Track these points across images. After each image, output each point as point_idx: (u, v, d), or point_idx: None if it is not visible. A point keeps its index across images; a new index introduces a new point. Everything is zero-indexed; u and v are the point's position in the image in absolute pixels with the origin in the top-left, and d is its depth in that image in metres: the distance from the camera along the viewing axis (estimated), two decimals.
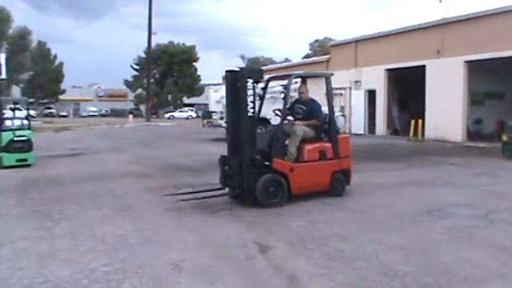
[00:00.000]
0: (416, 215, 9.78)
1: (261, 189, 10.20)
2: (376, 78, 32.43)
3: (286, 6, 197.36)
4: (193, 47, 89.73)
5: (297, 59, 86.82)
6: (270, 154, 10.48)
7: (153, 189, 13.12)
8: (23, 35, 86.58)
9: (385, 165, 17.62)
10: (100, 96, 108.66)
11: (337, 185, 11.55)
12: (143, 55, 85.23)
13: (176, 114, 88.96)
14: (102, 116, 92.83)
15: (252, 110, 10.23)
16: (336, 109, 32.18)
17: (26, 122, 19.61)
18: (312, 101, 11.77)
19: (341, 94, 35.33)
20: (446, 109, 27.74)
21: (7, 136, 18.50)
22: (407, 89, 31.47)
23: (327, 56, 39.81)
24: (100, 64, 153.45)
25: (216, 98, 31.76)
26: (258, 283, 6.04)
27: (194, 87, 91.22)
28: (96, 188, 13.60)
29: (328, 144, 11.39)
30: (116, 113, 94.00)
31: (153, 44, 67.22)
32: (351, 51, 35.20)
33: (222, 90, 31.89)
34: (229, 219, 9.43)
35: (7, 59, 22.50)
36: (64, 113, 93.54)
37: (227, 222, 9.26)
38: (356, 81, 34.29)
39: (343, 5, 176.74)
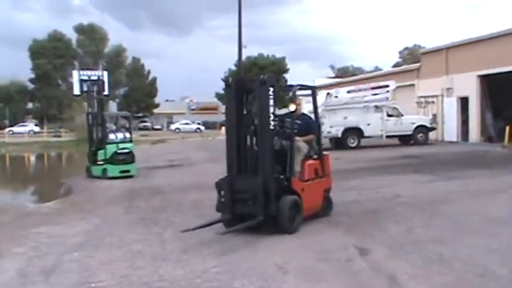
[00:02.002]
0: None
1: (287, 213, 9.03)
2: (468, 84, 31.93)
3: (374, 14, 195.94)
4: (282, 59, 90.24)
5: (386, 67, 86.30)
6: (283, 173, 9.37)
7: None
8: (119, 52, 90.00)
9: (479, 172, 17.47)
10: (192, 109, 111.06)
11: (326, 205, 10.60)
12: (233, 68, 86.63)
13: None
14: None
15: (273, 123, 9.20)
16: (428, 116, 32.06)
17: (128, 135, 20.64)
18: (305, 115, 10.96)
19: (433, 102, 35.05)
20: None
21: (111, 149, 19.59)
22: (502, 95, 30.85)
23: (418, 64, 39.49)
24: (191, 78, 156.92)
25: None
26: (360, 283, 6.39)
27: (285, 98, 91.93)
28: (198, 197, 14.21)
29: (318, 161, 10.41)
30: (207, 126, 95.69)
31: (243, 57, 68.32)
32: (442, 58, 34.81)
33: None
34: (327, 225, 9.80)
35: None
36: (158, 126, 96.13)
37: (325, 227, 9.64)
38: (448, 89, 33.90)
39: (432, 12, 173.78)
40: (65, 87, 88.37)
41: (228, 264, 7.32)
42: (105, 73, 23.10)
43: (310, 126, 10.63)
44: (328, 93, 31.16)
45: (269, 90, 9.12)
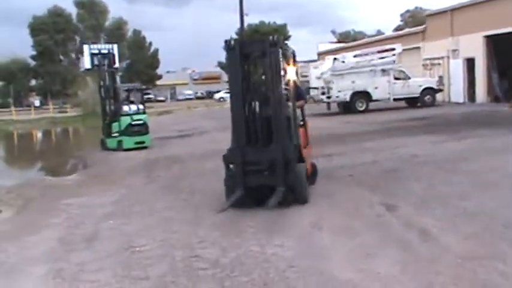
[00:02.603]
0: None
1: (305, 181, 8.78)
2: (474, 45, 31.97)
3: None
4: (284, 26, 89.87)
5: (388, 31, 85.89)
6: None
7: None
8: (120, 25, 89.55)
9: (490, 131, 17.66)
10: (195, 80, 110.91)
11: (313, 172, 10.08)
12: (235, 36, 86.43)
13: None
14: (198, 98, 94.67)
15: (284, 87, 8.86)
16: (435, 79, 32.13)
17: (141, 106, 20.86)
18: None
19: (439, 64, 35.12)
20: None
21: (125, 121, 19.82)
22: (507, 56, 30.88)
23: (423, 27, 39.40)
24: (191, 48, 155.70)
25: (316, 74, 32.37)
26: (395, 237, 6.67)
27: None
28: (216, 164, 14.39)
29: (304, 129, 10.03)
30: (211, 95, 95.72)
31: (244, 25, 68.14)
32: (447, 20, 34.78)
33: (322, 67, 32.71)
34: (349, 185, 10.09)
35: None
36: (161, 98, 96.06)
37: (348, 187, 9.92)
38: (454, 50, 33.94)
39: None
40: (66, 63, 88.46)
41: (263, 224, 7.59)
42: (115, 46, 23.23)
43: (301, 92, 10.39)
44: (335, 58, 31.27)
45: (279, 52, 8.62)
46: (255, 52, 8.94)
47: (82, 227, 8.52)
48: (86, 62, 22.49)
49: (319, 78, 31.60)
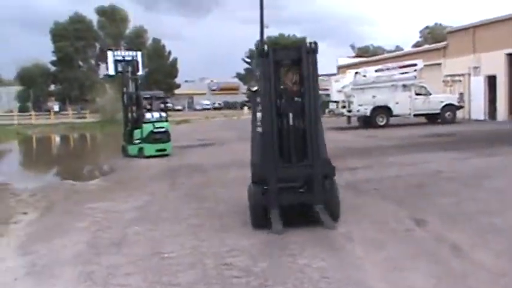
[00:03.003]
0: None
1: (338, 198, 8.23)
2: (496, 63, 31.89)
3: None
4: (303, 39, 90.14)
5: (406, 47, 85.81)
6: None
7: None
8: (140, 33, 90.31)
9: None
10: (213, 90, 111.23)
11: None
12: (254, 48, 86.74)
13: None
14: (216, 108, 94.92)
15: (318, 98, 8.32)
16: (456, 95, 31.96)
17: (164, 114, 20.95)
18: None
19: (460, 81, 35.00)
20: None
21: (147, 128, 19.92)
22: None
23: (444, 43, 39.31)
24: (208, 59, 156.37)
25: (337, 87, 32.45)
26: (426, 251, 6.64)
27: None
28: (239, 174, 14.44)
29: None
30: (228, 106, 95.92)
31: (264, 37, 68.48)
32: (469, 37, 34.68)
33: (343, 80, 32.75)
34: (376, 199, 10.06)
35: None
36: (179, 107, 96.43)
37: (375, 201, 9.88)
38: (475, 67, 33.84)
39: None
40: (86, 69, 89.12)
41: (293, 235, 7.55)
42: (139, 53, 23.28)
43: None
44: (356, 72, 31.35)
45: (317, 59, 8.01)
46: (289, 59, 8.36)
47: (109, 231, 8.56)
48: (110, 69, 22.49)
49: (340, 91, 31.72)
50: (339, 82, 33.16)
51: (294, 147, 8.13)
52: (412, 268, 6.01)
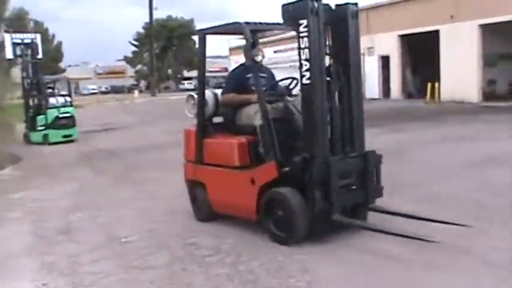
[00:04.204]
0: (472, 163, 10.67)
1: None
2: (389, 44, 33.12)
3: None
4: (191, 21, 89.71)
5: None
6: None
7: None
8: (21, 15, 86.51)
9: (417, 125, 18.35)
10: (99, 74, 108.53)
11: None
12: (141, 31, 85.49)
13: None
14: (103, 93, 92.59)
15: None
16: None
17: (68, 99, 20.32)
18: (264, 67, 7.58)
19: None
20: (460, 72, 28.39)
21: (52, 113, 19.28)
22: (421, 54, 32.14)
23: None
24: (91, 42, 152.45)
25: None
26: None
27: (194, 60, 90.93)
28: (158, 156, 14.34)
29: None
30: (115, 90, 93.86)
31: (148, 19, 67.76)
32: (363, 19, 35.58)
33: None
34: None
35: None
36: (64, 92, 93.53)
37: None
38: (369, 48, 34.88)
39: None
40: None
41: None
42: (38, 36, 22.37)
43: (275, 80, 7.52)
44: None
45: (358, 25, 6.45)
46: (333, 22, 6.44)
47: (50, 221, 8.16)
48: (8, 52, 21.42)
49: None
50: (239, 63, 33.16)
51: (340, 134, 6.36)
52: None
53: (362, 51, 26.94)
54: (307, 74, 6.02)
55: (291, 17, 6.15)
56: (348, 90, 6.37)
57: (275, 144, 6.24)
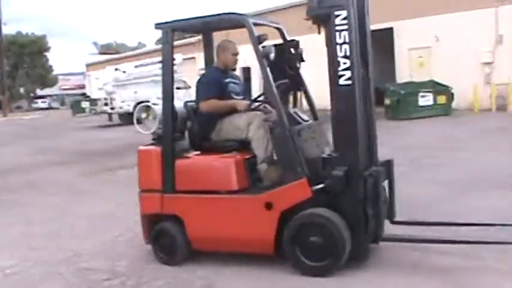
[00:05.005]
0: None
1: None
2: (250, 55, 33.68)
3: None
4: (43, 37, 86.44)
5: (150, 42, 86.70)
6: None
7: (88, 174, 13.44)
8: None
9: None
10: None
11: None
12: None
13: None
14: None
15: None
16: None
17: None
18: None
19: None
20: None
21: None
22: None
23: (198, 37, 40.23)
24: None
25: (98, 85, 31.83)
26: None
27: (47, 78, 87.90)
28: (29, 178, 13.59)
29: None
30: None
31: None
32: (222, 32, 36.03)
33: (104, 77, 32.12)
34: None
35: None
36: None
37: None
38: None
39: None
40: None
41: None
42: None
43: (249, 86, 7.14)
44: (116, 69, 30.95)
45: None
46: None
47: None
48: None
49: (101, 89, 31.13)
50: (99, 79, 32.48)
51: (367, 141, 5.76)
52: None
53: None
54: (347, 74, 5.31)
55: (324, 7, 5.36)
56: (368, 92, 5.78)
57: (302, 158, 5.39)
